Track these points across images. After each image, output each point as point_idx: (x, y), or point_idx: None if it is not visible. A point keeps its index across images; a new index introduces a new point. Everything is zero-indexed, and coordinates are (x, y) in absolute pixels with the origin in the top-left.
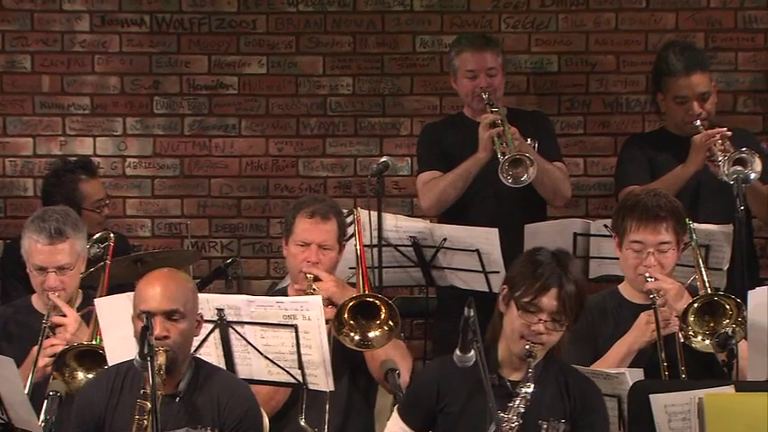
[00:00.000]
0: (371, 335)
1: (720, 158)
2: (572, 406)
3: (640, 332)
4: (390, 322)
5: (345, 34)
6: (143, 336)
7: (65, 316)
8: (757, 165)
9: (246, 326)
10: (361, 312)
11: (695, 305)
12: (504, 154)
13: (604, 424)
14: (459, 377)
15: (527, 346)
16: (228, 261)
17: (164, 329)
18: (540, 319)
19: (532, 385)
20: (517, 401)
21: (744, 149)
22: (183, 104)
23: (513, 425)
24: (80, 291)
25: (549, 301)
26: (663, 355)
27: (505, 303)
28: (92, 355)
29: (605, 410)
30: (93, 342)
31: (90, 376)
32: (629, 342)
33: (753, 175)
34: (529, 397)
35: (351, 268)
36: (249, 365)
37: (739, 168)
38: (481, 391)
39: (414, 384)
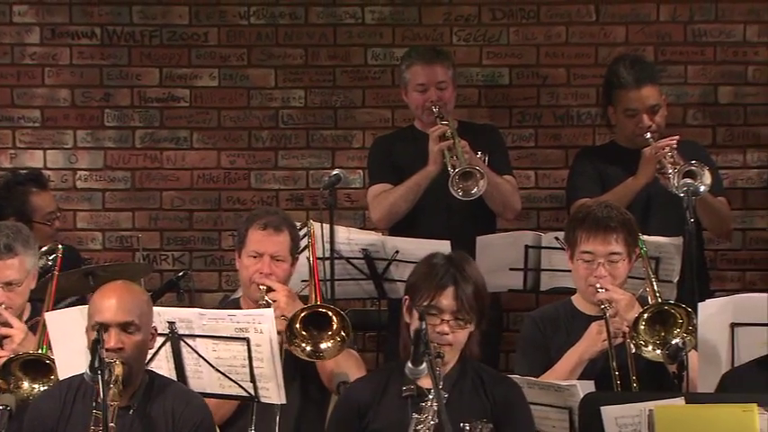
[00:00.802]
0: (323, 346)
1: (670, 171)
2: (491, 405)
3: (591, 342)
4: (342, 333)
5: (297, 47)
6: (94, 349)
7: (11, 327)
8: (707, 177)
9: (198, 339)
10: (313, 323)
11: (646, 315)
12: (454, 167)
13: (528, 423)
14: (380, 393)
15: (434, 348)
16: (180, 274)
17: (119, 341)
18: (443, 320)
19: (441, 383)
20: (429, 401)
21: (693, 162)
22: (135, 117)
23: (429, 424)
24: (28, 303)
25: (447, 300)
26: (614, 364)
27: (409, 313)
28: (38, 365)
29: (527, 409)
30: (40, 351)
31: (36, 386)
32: (579, 352)
33: (702, 188)
34: (443, 397)
35: (303, 281)
36: (201, 378)
37: (689, 181)
38: (403, 406)
39: (337, 405)
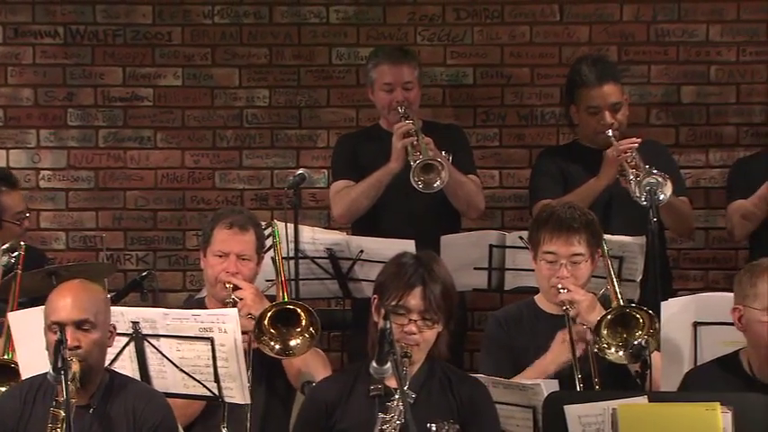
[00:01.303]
0: (292, 343)
1: (632, 176)
2: (458, 405)
3: (558, 353)
4: (311, 329)
5: (261, 46)
6: (57, 349)
7: None
8: (668, 188)
9: (162, 339)
10: (282, 321)
11: (608, 317)
12: (416, 161)
13: (494, 422)
14: (348, 393)
15: (402, 347)
16: (144, 274)
17: (75, 339)
18: (411, 320)
19: (408, 383)
20: (396, 401)
21: (654, 171)
22: (98, 116)
23: (395, 424)
24: None
25: (415, 300)
26: (578, 369)
27: (378, 312)
28: (3, 370)
29: (493, 408)
30: (5, 357)
31: (2, 389)
32: (545, 364)
33: (662, 197)
34: (410, 396)
35: (268, 280)
36: (165, 379)
37: (652, 180)
38: (370, 406)
39: (305, 404)
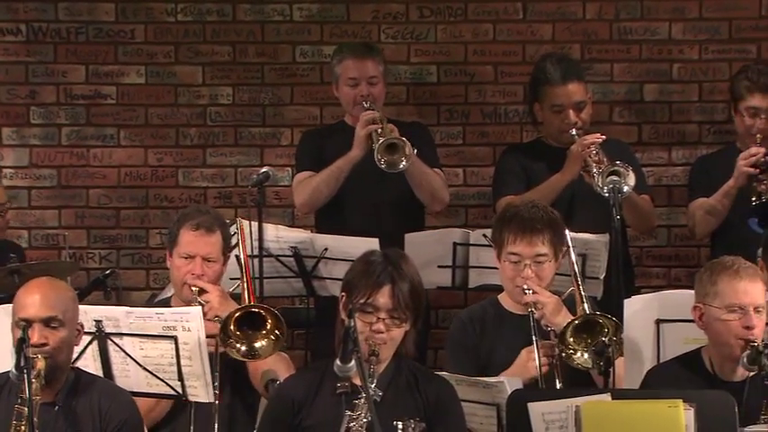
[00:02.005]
0: (258, 345)
1: (595, 170)
2: (425, 403)
3: (522, 370)
4: (277, 331)
5: (225, 44)
6: (19, 348)
7: None
8: (631, 179)
9: (125, 337)
10: (247, 323)
11: (574, 323)
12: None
13: (460, 421)
14: (315, 390)
15: (369, 345)
16: (107, 272)
17: (42, 336)
18: (379, 318)
19: (375, 380)
20: (362, 398)
21: (618, 162)
22: (61, 114)
23: (362, 422)
24: None
25: (383, 299)
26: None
27: (345, 310)
28: None
29: (459, 407)
30: None
31: None
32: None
33: (626, 188)
34: (377, 394)
35: (232, 279)
36: (128, 377)
37: (615, 178)
38: (337, 403)
39: (271, 401)
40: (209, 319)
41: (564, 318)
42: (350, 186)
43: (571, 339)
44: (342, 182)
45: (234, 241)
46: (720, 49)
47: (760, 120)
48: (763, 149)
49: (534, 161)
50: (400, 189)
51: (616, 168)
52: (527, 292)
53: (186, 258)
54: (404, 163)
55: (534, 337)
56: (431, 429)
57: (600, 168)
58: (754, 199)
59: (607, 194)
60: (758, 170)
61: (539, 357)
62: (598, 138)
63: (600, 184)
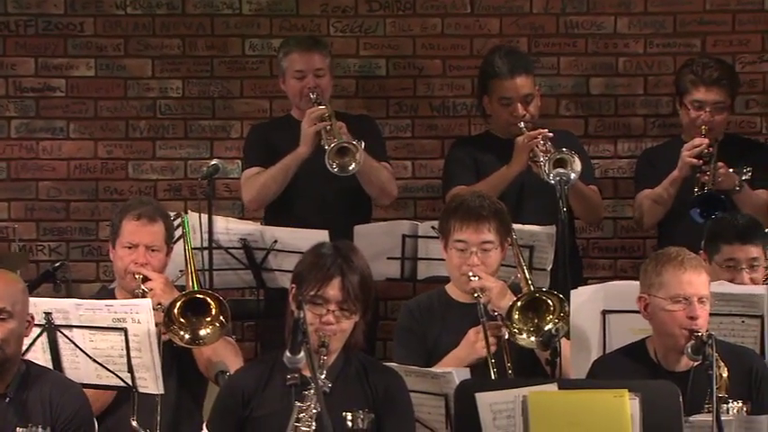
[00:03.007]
0: (202, 332)
1: (542, 159)
2: (374, 395)
3: (469, 350)
4: (221, 318)
5: (174, 37)
6: None
7: None
8: (577, 165)
9: (75, 329)
10: (192, 310)
11: (519, 303)
12: (332, 145)
13: (407, 412)
14: (265, 381)
15: (319, 337)
16: (57, 264)
17: None
18: (329, 310)
19: (325, 371)
20: (312, 390)
21: (564, 149)
22: (10, 107)
23: (311, 413)
24: None
25: (333, 291)
26: (493, 369)
27: (296, 302)
28: None
29: (408, 398)
30: None
31: None
32: (457, 358)
33: (573, 175)
34: (326, 385)
35: (181, 271)
36: (78, 369)
37: (562, 170)
38: (287, 394)
39: (221, 393)
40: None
41: (509, 301)
42: (298, 179)
43: (517, 317)
44: (290, 178)
45: (178, 233)
46: (665, 43)
47: (705, 113)
48: (706, 141)
49: (483, 153)
50: (348, 181)
51: (562, 156)
52: (473, 278)
53: (129, 248)
54: (354, 165)
55: (480, 311)
56: (379, 420)
57: (546, 156)
58: (696, 190)
59: (554, 183)
60: (701, 161)
61: (486, 337)
62: (543, 132)
63: (547, 170)
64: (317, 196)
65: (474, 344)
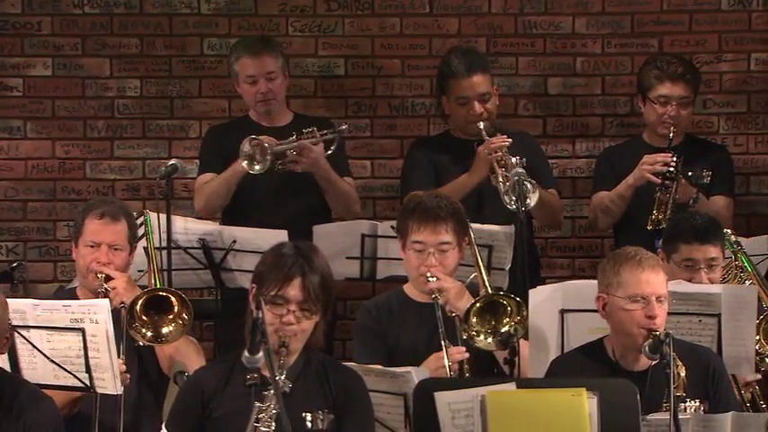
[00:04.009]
0: (165, 330)
1: (500, 179)
2: (333, 395)
3: (431, 374)
4: (184, 315)
5: (132, 36)
6: None
7: None
8: (534, 197)
9: (33, 330)
10: (154, 308)
11: (477, 305)
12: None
13: (367, 412)
14: (225, 382)
15: (279, 337)
16: (14, 264)
17: None
18: (289, 310)
19: (285, 372)
20: (272, 390)
21: (521, 177)
22: None
23: (271, 413)
24: None
25: (294, 291)
26: (448, 361)
27: (255, 302)
28: None
29: (368, 399)
30: None
31: None
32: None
33: (528, 201)
34: (286, 386)
35: (140, 271)
36: (35, 370)
37: (520, 170)
38: (247, 395)
39: (181, 393)
40: (115, 306)
41: (467, 302)
42: (257, 178)
43: (474, 320)
44: (234, 190)
45: (141, 232)
46: (623, 43)
47: (671, 107)
48: (669, 156)
49: (442, 154)
50: (306, 181)
51: (521, 187)
52: (431, 279)
53: (92, 247)
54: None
55: (437, 311)
56: (339, 420)
57: (506, 178)
58: (654, 212)
59: (513, 207)
60: (660, 180)
61: (447, 361)
62: (504, 142)
63: (506, 200)
64: (276, 196)
65: (435, 370)
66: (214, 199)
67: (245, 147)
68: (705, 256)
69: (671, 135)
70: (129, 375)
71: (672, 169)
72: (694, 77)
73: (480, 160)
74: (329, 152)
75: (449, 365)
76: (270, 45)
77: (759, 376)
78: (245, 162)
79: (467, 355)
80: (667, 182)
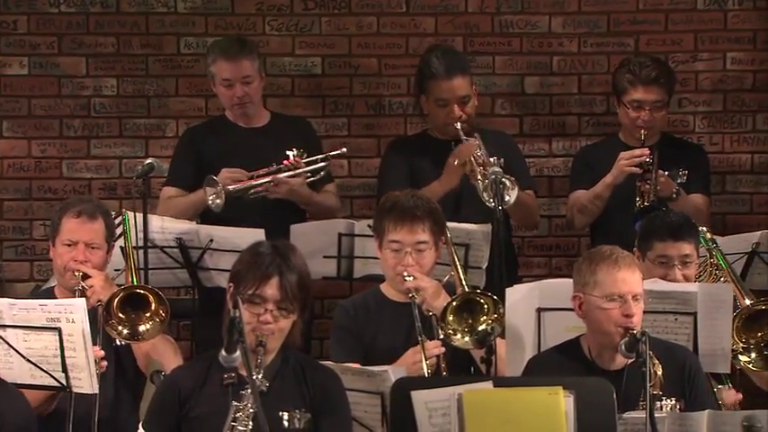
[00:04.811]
0: (142, 328)
1: (479, 178)
2: (311, 394)
3: (409, 370)
4: (161, 313)
5: (109, 35)
6: None
7: None
8: (513, 194)
9: (9, 329)
10: (131, 305)
11: (454, 304)
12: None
13: (345, 411)
14: (202, 381)
15: (256, 336)
16: None
17: None
18: (267, 309)
19: (262, 371)
20: (249, 390)
21: (502, 177)
22: None
23: (248, 412)
24: None
25: (271, 290)
26: (425, 358)
27: (233, 300)
28: None
29: (345, 398)
30: None
31: None
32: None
33: (507, 198)
34: (263, 385)
35: (117, 270)
36: (11, 369)
37: (497, 169)
38: (224, 394)
39: (158, 392)
40: (92, 305)
41: (444, 301)
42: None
43: (451, 318)
44: (200, 213)
45: (119, 231)
46: (599, 42)
47: (644, 112)
48: (647, 151)
49: (419, 155)
50: None
51: (498, 185)
52: (407, 278)
53: (69, 245)
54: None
55: (414, 310)
56: (316, 420)
57: (484, 176)
58: (638, 200)
59: (491, 203)
60: (641, 170)
61: (424, 356)
62: (473, 148)
63: (485, 196)
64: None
65: (412, 365)
66: (179, 217)
67: (210, 193)
68: (679, 253)
69: (643, 138)
70: (105, 363)
71: (648, 160)
72: (669, 80)
73: (449, 170)
74: (316, 178)
75: (426, 360)
76: (246, 48)
77: (741, 396)
78: (213, 205)
79: (443, 349)
80: (647, 174)
